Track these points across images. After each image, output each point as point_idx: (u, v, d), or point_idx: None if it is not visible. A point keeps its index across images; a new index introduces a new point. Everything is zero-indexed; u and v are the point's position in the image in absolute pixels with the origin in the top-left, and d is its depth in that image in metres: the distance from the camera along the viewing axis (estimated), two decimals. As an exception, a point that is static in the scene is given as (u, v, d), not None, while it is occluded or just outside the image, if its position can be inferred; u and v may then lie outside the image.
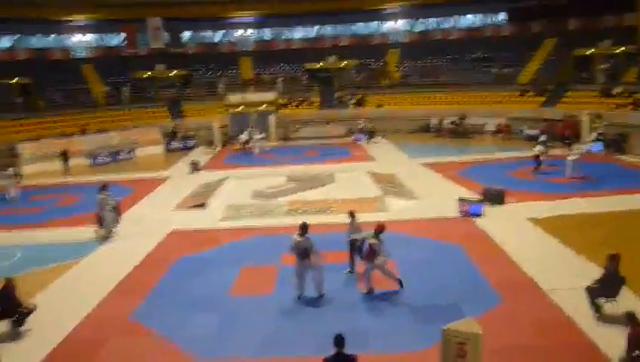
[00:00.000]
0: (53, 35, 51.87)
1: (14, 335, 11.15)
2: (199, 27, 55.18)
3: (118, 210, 18.84)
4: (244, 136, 36.64)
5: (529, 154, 25.46)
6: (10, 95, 42.20)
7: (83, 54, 50.47)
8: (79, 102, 42.85)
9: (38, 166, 32.50)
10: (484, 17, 54.03)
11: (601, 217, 17.85)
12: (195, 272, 14.44)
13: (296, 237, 12.38)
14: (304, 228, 12.45)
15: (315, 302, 12.21)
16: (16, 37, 50.37)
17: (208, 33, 56.44)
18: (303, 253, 12.24)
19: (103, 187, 18.92)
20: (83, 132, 37.84)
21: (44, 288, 13.77)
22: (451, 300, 11.84)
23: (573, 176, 22.98)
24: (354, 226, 13.68)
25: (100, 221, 18.13)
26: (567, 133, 31.81)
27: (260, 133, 36.92)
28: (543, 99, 39.07)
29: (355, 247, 13.16)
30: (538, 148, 24.72)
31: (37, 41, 51.05)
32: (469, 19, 54.41)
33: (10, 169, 26.77)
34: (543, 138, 26.86)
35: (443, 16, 54.13)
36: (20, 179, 27.44)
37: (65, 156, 31.92)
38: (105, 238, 17.85)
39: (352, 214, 13.95)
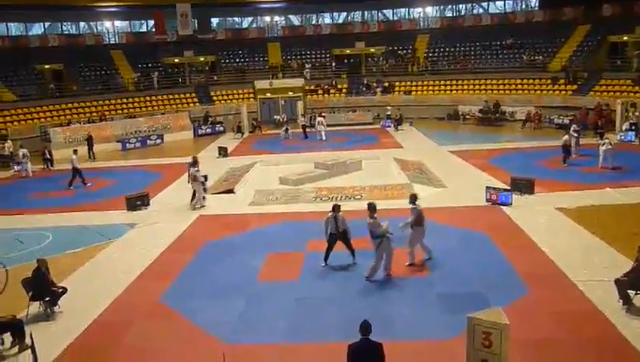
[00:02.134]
0: (84, 22, 52.63)
1: (47, 316, 11.41)
2: (227, 13, 55.36)
3: (205, 184, 20.33)
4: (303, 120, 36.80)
5: (559, 143, 25.09)
6: (43, 81, 43.01)
7: (113, 40, 51.03)
8: (110, 88, 43.45)
9: (68, 150, 32.97)
10: (515, 3, 53.20)
11: (632, 208, 17.54)
12: (223, 257, 14.59)
13: (368, 219, 12.54)
14: (373, 209, 12.62)
15: (340, 288, 12.26)
16: (48, 24, 51.21)
17: (236, 19, 56.60)
18: (378, 235, 12.37)
19: (194, 162, 20.21)
20: (102, 119, 38.25)
21: (75, 270, 14.06)
22: (478, 289, 11.78)
23: (606, 166, 22.60)
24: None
25: (193, 194, 19.65)
26: (599, 123, 31.22)
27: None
28: (575, 87, 38.37)
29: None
30: (565, 138, 24.33)
31: (68, 28, 51.85)
32: (500, 5, 53.62)
33: (20, 151, 28.12)
34: (574, 127, 26.45)
35: (473, 1, 53.43)
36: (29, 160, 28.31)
37: (90, 142, 32.03)
38: (197, 208, 19.31)
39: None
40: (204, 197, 19.93)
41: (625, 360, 9.10)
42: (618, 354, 9.20)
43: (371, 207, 12.73)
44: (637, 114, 31.16)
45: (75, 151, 25.33)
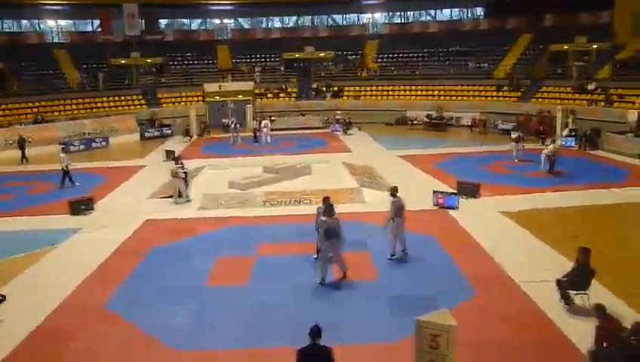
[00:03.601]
0: (26, 20, 51.01)
1: (-15, 325, 11.00)
2: (176, 14, 54.65)
3: (187, 180, 21.16)
4: (254, 123, 36.66)
5: (503, 148, 25.75)
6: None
7: (57, 40, 49.61)
8: (54, 88, 42.14)
9: (6, 153, 31.79)
10: (461, 11, 54.47)
11: (573, 211, 18.19)
12: (171, 262, 14.34)
13: (324, 218, 12.51)
14: (332, 207, 12.64)
15: (291, 293, 12.21)
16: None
17: (185, 21, 55.94)
18: (333, 233, 12.34)
19: (176, 159, 21.55)
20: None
21: (15, 277, 13.54)
22: (426, 292, 11.94)
23: (545, 170, 23.32)
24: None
25: (178, 191, 20.39)
26: (541, 128, 32.25)
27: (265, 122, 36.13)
28: (519, 94, 39.53)
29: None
30: (550, 148, 23.78)
31: (10, 26, 50.16)
32: (447, 13, 54.79)
33: None
34: (514, 134, 27.20)
35: (421, 8, 54.42)
36: None
37: (21, 144, 30.91)
38: (182, 203, 20.06)
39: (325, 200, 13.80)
40: (187, 194, 20.65)
41: (567, 358, 9.40)
42: (560, 353, 9.49)
43: (332, 206, 12.81)
44: (575, 119, 32.33)
45: (64, 150, 25.91)
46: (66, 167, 23.55)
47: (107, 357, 9.83)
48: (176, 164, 20.97)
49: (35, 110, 38.66)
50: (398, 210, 13.74)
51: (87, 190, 22.02)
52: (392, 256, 13.90)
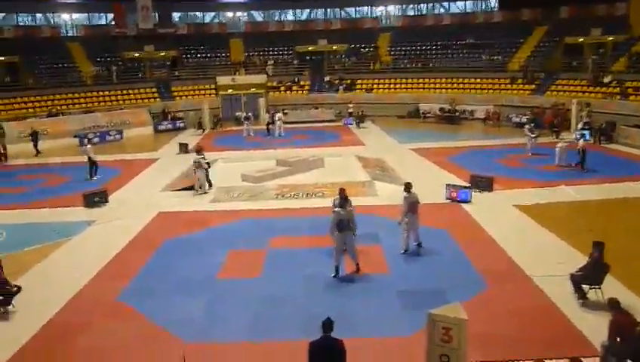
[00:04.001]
0: (40, 13, 51.30)
1: (0, 316, 11.12)
2: (189, 7, 54.70)
3: (208, 171, 21.46)
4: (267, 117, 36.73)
5: (518, 141, 25.54)
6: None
7: (71, 33, 49.86)
8: (68, 82, 42.39)
9: (23, 145, 32.05)
10: (475, 3, 54.04)
11: (587, 205, 18.04)
12: (183, 254, 14.42)
13: (337, 209, 12.60)
14: (346, 199, 12.80)
15: (303, 285, 12.25)
16: (2, 15, 49.75)
17: (198, 14, 55.98)
18: (346, 225, 12.36)
19: (199, 150, 21.82)
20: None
21: (31, 268, 13.71)
22: (437, 285, 11.92)
23: (561, 164, 23.13)
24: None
25: (196, 182, 20.89)
26: (555, 122, 31.96)
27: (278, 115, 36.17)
28: (533, 86, 39.18)
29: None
30: (581, 143, 23.04)
31: (24, 19, 50.47)
32: (461, 5, 54.38)
33: None
34: (528, 126, 26.98)
35: (435, 1, 54.06)
36: None
37: (35, 136, 31.27)
38: (201, 194, 20.52)
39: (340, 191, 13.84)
40: (208, 184, 21.16)
41: (580, 352, 9.32)
42: (573, 347, 9.41)
43: (347, 198, 13.04)
44: (590, 112, 32.01)
45: (89, 141, 26.63)
46: (93, 158, 24.05)
47: (120, 348, 9.90)
48: (198, 155, 21.33)
49: (49, 103, 38.91)
50: (412, 205, 13.69)
51: (102, 182, 22.19)
52: (405, 251, 13.86)
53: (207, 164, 21.39)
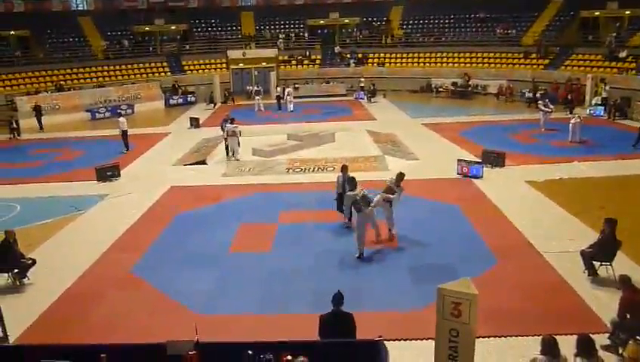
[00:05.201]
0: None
1: (15, 288, 11.30)
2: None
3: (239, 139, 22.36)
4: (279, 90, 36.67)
5: (531, 116, 25.29)
6: (9, 48, 41.76)
7: (81, 7, 49.64)
8: (79, 56, 42.39)
9: (32, 120, 32.05)
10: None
11: (599, 181, 17.91)
12: (195, 228, 14.52)
13: (349, 193, 12.55)
14: (353, 180, 12.80)
15: (313, 260, 12.31)
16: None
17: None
18: (359, 205, 12.31)
19: (232, 120, 22.70)
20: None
21: (45, 242, 13.88)
22: (448, 260, 11.93)
23: (575, 139, 22.93)
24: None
25: (227, 149, 22.28)
26: (569, 97, 31.58)
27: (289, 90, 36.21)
28: (547, 61, 38.66)
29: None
30: None
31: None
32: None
33: None
34: (542, 102, 26.69)
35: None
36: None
37: (38, 111, 31.39)
38: (232, 160, 21.69)
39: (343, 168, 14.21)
40: (239, 152, 22.18)
41: (590, 328, 9.32)
42: (583, 323, 9.41)
43: (353, 178, 12.98)
44: (606, 88, 31.57)
45: (121, 114, 27.49)
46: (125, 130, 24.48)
47: (132, 320, 10.03)
48: (231, 123, 22.21)
49: (60, 78, 38.96)
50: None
51: (114, 157, 22.28)
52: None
53: (239, 132, 22.31)
